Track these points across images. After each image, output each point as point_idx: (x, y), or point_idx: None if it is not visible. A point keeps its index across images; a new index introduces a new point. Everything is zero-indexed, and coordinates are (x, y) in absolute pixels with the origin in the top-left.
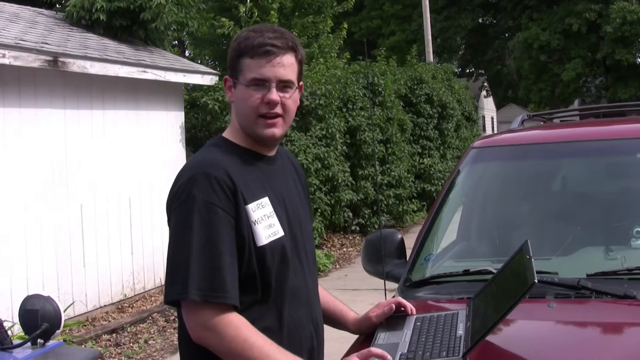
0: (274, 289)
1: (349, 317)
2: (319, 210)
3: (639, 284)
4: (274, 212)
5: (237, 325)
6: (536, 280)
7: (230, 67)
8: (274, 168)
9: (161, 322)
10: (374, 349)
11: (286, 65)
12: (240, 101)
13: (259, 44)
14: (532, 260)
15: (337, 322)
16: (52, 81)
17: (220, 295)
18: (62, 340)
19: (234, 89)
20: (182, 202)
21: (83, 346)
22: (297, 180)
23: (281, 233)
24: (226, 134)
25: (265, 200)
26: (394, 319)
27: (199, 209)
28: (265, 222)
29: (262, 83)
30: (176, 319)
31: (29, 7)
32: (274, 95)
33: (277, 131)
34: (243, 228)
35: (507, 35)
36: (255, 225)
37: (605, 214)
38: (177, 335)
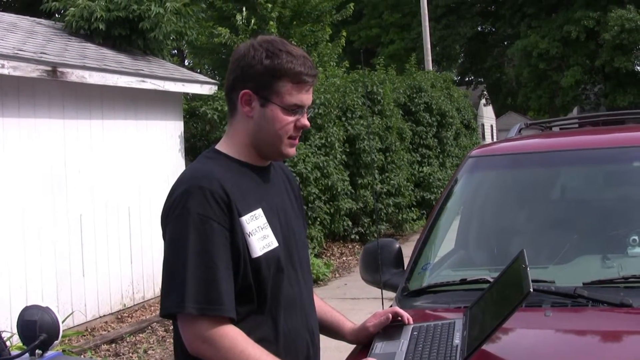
0: (270, 300)
1: (346, 326)
2: (319, 219)
3: (635, 292)
4: (267, 223)
5: (234, 337)
6: (532, 290)
7: (255, 84)
8: (267, 179)
9: (160, 332)
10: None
11: (311, 92)
12: (271, 121)
13: (300, 72)
14: (528, 269)
15: (334, 332)
16: (51, 91)
17: (216, 308)
18: (61, 350)
19: (258, 106)
20: (177, 216)
21: (82, 356)
22: (290, 189)
23: (275, 244)
24: (220, 147)
25: (259, 211)
26: (391, 328)
27: (194, 222)
28: (260, 234)
29: (299, 109)
30: None
31: (27, 17)
32: (306, 120)
33: (295, 149)
34: (238, 240)
35: (506, 43)
36: (249, 237)
37: (602, 222)
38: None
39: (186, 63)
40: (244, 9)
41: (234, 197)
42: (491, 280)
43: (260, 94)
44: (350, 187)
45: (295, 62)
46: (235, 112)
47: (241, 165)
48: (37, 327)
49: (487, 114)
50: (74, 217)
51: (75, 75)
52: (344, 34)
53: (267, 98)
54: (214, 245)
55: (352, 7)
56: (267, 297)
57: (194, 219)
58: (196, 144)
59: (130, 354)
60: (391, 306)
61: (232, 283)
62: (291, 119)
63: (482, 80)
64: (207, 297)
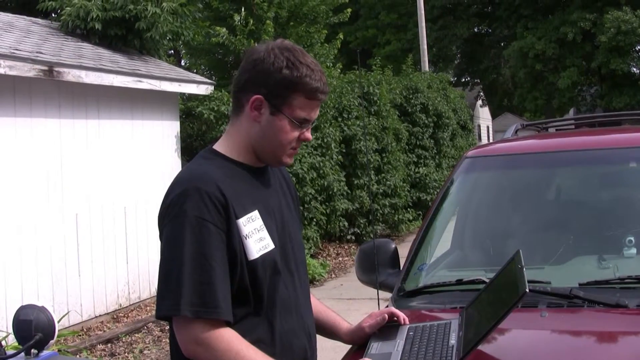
0: (266, 302)
1: (342, 327)
2: (315, 219)
3: (631, 292)
4: (264, 225)
5: (229, 339)
6: (527, 290)
7: (269, 91)
8: (263, 180)
9: (156, 332)
10: None
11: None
12: (277, 131)
13: (317, 88)
14: (524, 269)
15: (330, 332)
16: (47, 90)
17: (212, 311)
18: (56, 350)
19: (267, 113)
20: (173, 217)
21: (78, 356)
22: (287, 190)
23: (272, 246)
24: (218, 147)
25: (255, 213)
26: (387, 328)
27: (191, 224)
28: (256, 236)
29: (306, 123)
30: None
31: (24, 17)
32: (310, 135)
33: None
34: (234, 242)
35: (502, 44)
36: (246, 240)
37: (597, 223)
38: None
39: (182, 63)
40: (242, 9)
41: (231, 199)
42: (487, 280)
43: (272, 102)
44: (346, 188)
45: (313, 78)
46: (241, 112)
47: (238, 167)
48: (32, 326)
49: (484, 115)
50: (69, 217)
51: (72, 75)
52: (341, 36)
53: (279, 108)
54: (210, 248)
55: (349, 11)
56: (264, 299)
57: (190, 221)
58: (192, 144)
59: (126, 354)
60: (387, 307)
61: (229, 285)
62: (297, 132)
63: (479, 81)
64: (203, 299)
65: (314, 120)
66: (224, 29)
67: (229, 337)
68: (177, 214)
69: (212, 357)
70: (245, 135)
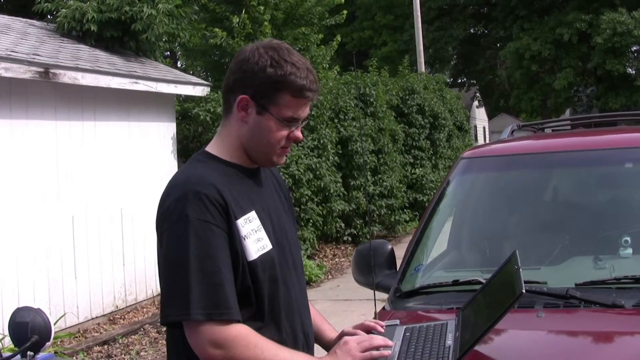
0: (267, 303)
1: (325, 336)
2: (311, 220)
3: (627, 293)
4: (261, 225)
5: (246, 335)
6: (524, 291)
7: (255, 91)
8: (258, 181)
9: (153, 334)
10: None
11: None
12: (265, 131)
13: (303, 86)
14: (520, 270)
15: (315, 338)
16: (44, 92)
17: (224, 312)
18: (52, 352)
19: (254, 113)
20: (174, 222)
21: (74, 358)
22: (280, 190)
23: (269, 246)
24: (211, 149)
25: (253, 214)
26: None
27: (194, 228)
28: (254, 237)
29: (294, 122)
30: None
31: (20, 19)
32: (300, 134)
33: (285, 158)
34: (235, 244)
35: (498, 45)
36: (244, 241)
37: (594, 223)
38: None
39: (179, 65)
40: (243, 11)
41: (229, 200)
42: (484, 281)
43: (259, 102)
44: (342, 189)
45: (298, 75)
46: (230, 113)
47: (232, 168)
48: (28, 328)
49: (480, 116)
50: (66, 219)
51: (68, 77)
52: (338, 38)
53: (265, 107)
54: (216, 250)
55: (345, 13)
56: (265, 300)
57: (193, 225)
58: (188, 146)
59: (123, 356)
60: (384, 308)
61: (234, 286)
62: (285, 131)
63: (475, 82)
64: (214, 301)
65: (305, 119)
66: (224, 32)
67: (245, 332)
68: (179, 218)
69: (233, 355)
70: (235, 136)
